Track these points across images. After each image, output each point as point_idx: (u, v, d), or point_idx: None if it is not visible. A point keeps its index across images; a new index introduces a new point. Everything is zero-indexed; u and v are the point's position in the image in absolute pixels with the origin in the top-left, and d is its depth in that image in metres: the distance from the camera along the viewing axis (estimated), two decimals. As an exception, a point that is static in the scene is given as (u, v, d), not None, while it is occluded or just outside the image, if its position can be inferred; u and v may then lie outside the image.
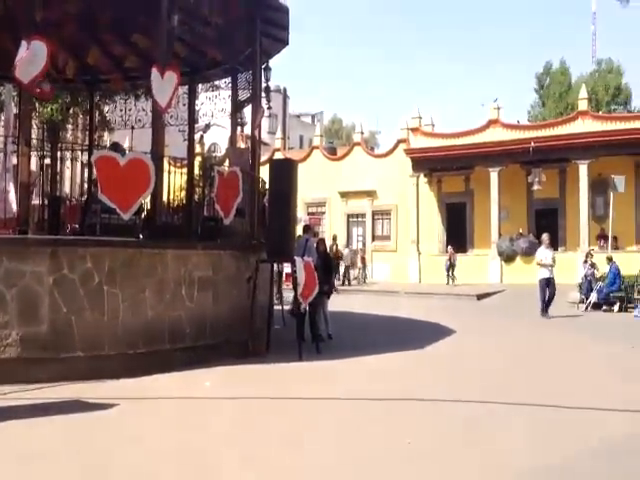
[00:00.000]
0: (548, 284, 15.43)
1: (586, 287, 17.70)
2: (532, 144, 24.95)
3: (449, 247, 26.84)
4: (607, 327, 14.16)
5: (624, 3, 18.26)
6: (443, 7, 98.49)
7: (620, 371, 8.84)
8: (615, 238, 23.02)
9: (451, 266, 25.93)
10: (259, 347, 9.48)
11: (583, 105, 26.13)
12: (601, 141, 24.06)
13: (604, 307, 17.05)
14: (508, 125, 27.29)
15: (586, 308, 17.15)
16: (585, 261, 18.64)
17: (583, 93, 26.58)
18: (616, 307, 16.93)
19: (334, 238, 27.76)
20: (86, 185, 12.94)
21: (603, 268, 17.99)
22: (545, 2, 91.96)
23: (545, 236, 16.60)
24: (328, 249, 24.29)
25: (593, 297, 17.27)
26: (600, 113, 30.32)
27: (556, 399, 7.00)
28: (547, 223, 26.90)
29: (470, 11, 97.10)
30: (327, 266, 11.17)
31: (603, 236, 24.22)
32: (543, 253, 15.76)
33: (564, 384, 8.03)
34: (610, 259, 18.00)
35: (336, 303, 16.99)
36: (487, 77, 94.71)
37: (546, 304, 15.38)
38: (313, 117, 59.87)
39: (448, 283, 25.53)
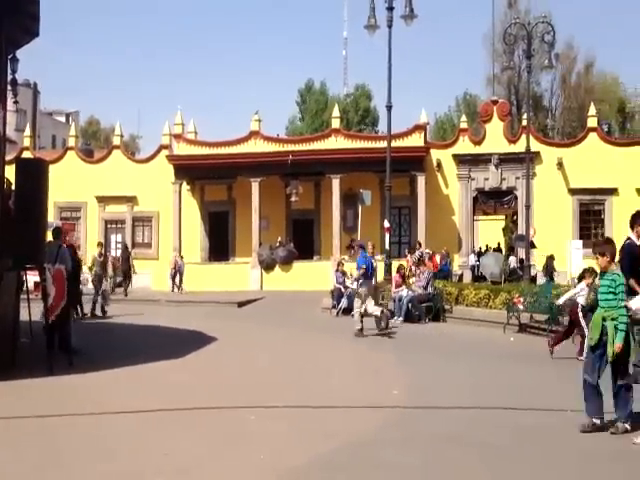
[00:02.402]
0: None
1: (337, 294, 18.87)
2: (290, 157, 26.14)
3: (174, 255, 26.63)
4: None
5: (371, 32, 19.98)
6: (206, 13, 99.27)
7: (367, 369, 9.63)
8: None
9: (177, 274, 25.86)
10: (4, 362, 8.62)
11: (336, 123, 28.06)
12: (351, 158, 26.04)
13: (353, 312, 18.32)
14: (268, 138, 28.26)
15: (337, 313, 18.29)
16: (337, 269, 19.88)
17: (336, 112, 28.56)
18: (363, 311, 18.31)
19: (125, 247, 26.21)
20: None
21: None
22: (308, 23, 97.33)
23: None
24: (120, 259, 22.38)
25: (344, 303, 18.45)
26: (351, 132, 32.80)
27: (311, 399, 7.39)
28: (304, 233, 28.41)
29: (236, 24, 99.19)
30: (75, 274, 10.59)
31: (353, 246, 26.17)
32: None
33: (315, 383, 8.51)
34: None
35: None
36: (253, 88, 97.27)
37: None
38: (68, 116, 56.20)
39: (173, 290, 25.47)
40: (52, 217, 23.63)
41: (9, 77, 11.14)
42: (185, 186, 28.63)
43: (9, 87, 11.11)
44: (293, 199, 27.07)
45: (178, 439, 5.81)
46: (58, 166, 27.39)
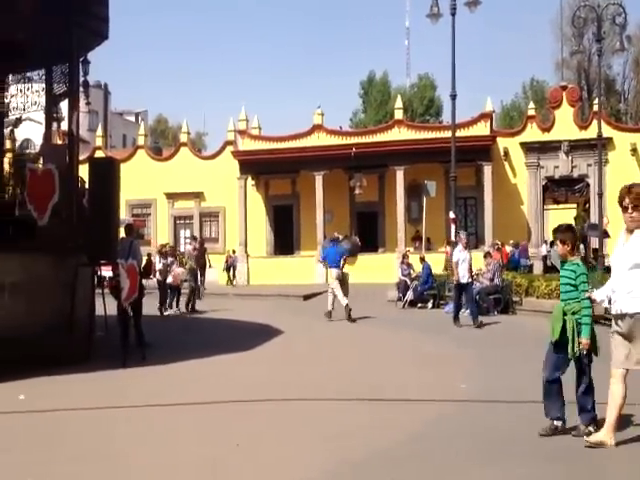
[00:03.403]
0: (464, 289, 13.84)
1: (403, 286, 18.78)
2: (353, 150, 26.09)
3: (230, 250, 27.65)
4: (422, 322, 15.13)
5: (434, 20, 19.70)
6: (272, 10, 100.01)
7: (434, 362, 9.53)
8: (428, 240, 24.76)
9: (230, 267, 26.89)
10: (80, 355, 8.98)
11: (399, 114, 27.82)
12: (415, 149, 25.75)
13: (419, 304, 18.21)
14: (331, 131, 28.29)
15: (403, 306, 18.21)
16: (402, 262, 19.77)
17: (399, 103, 28.33)
18: (430, 304, 18.15)
19: (202, 242, 26.91)
20: None
21: (418, 268, 19.24)
22: (369, 15, 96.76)
23: (462, 235, 15.27)
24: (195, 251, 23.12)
25: (409, 295, 18.37)
26: (415, 123, 32.46)
27: (365, 392, 7.36)
28: (368, 225, 28.34)
29: (298, 16, 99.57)
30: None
31: (418, 238, 25.93)
32: (460, 255, 13.99)
33: (382, 376, 8.47)
34: (422, 259, 19.29)
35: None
36: (316, 81, 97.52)
37: (456, 311, 13.84)
38: (137, 116, 57.85)
39: (227, 284, 26.34)
40: (124, 214, 24.41)
41: (81, 79, 11.50)
42: (250, 181, 29.00)
43: (81, 89, 11.47)
44: (357, 192, 27.00)
45: (241, 429, 5.90)
46: (129, 164, 28.21)
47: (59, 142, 14.45)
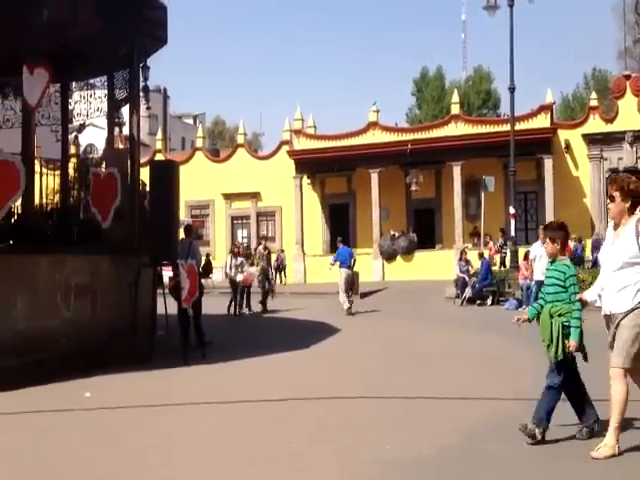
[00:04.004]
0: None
1: (461, 283, 18.53)
2: (409, 146, 25.88)
3: (279, 250, 27.75)
4: (482, 319, 14.91)
5: (491, 12, 19.40)
6: (324, 10, 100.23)
7: (498, 360, 9.37)
8: (487, 236, 24.35)
9: (278, 266, 26.84)
10: (142, 354, 9.21)
11: (455, 109, 27.43)
12: (472, 143, 25.33)
13: (478, 301, 17.93)
14: (387, 128, 28.15)
15: (462, 303, 17.97)
16: (460, 258, 19.52)
17: (455, 98, 27.93)
18: (489, 301, 17.85)
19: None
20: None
21: (477, 265, 18.95)
22: (425, 12, 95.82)
23: (541, 229, 14.68)
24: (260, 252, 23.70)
25: (468, 292, 18.12)
26: (472, 117, 31.96)
27: (424, 391, 7.29)
28: (425, 222, 28.08)
29: (352, 16, 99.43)
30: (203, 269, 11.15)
31: (477, 234, 25.53)
32: (538, 250, 13.32)
33: (442, 375, 8.39)
34: (481, 255, 18.98)
35: (224, 306, 16.88)
36: (371, 77, 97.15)
37: None
38: (195, 118, 58.95)
39: (281, 283, 26.45)
40: (183, 215, 24.89)
41: (141, 84, 11.78)
42: (306, 180, 29.14)
43: (142, 94, 11.78)
44: (413, 188, 26.81)
45: (299, 428, 5.93)
46: (187, 166, 28.77)
47: (121, 146, 14.85)
